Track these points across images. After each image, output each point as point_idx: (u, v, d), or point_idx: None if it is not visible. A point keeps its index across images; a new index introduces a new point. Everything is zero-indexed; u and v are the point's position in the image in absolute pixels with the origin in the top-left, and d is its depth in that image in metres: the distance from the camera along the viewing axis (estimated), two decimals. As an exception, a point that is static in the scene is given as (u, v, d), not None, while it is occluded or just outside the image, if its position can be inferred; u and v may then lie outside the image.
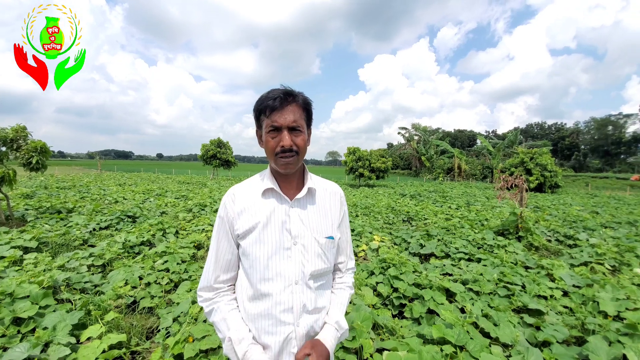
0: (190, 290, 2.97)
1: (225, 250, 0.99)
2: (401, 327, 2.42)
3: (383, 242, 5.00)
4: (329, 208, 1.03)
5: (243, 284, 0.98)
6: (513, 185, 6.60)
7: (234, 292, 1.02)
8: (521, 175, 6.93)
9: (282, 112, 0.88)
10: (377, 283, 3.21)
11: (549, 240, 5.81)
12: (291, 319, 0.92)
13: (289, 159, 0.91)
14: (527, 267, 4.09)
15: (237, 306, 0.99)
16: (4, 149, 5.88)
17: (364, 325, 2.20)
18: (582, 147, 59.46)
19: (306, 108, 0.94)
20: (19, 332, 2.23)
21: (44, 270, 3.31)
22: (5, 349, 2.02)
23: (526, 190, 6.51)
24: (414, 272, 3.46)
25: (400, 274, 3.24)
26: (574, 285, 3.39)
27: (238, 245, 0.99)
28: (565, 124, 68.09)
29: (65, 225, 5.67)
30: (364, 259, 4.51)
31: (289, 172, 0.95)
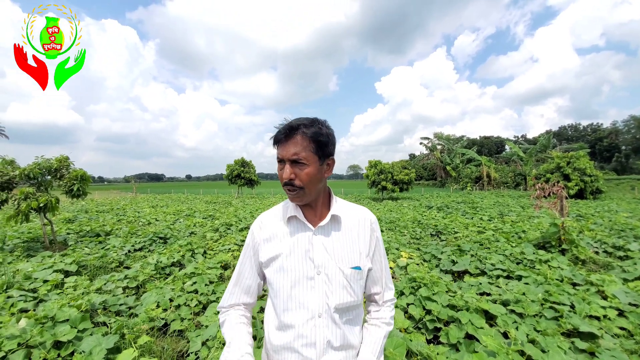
0: (218, 313, 2.97)
1: (247, 275, 1.00)
2: (437, 354, 2.26)
3: (411, 258, 4.80)
4: (356, 236, 0.97)
5: (269, 314, 0.96)
6: (551, 193, 6.17)
7: (249, 312, 1.03)
8: (559, 182, 6.49)
9: (285, 145, 0.89)
10: (407, 304, 3.04)
11: (597, 252, 5.31)
12: (314, 354, 0.86)
13: (293, 194, 0.90)
14: (574, 284, 3.73)
15: (246, 322, 0.97)
16: (48, 177, 6.38)
17: (397, 352, 2.07)
18: (623, 147, 55.04)
19: (315, 139, 0.89)
20: (59, 355, 2.31)
21: (83, 294, 3.46)
22: (46, 374, 2.09)
23: (566, 198, 6.05)
24: (447, 292, 3.26)
25: (433, 294, 3.06)
26: (630, 304, 3.03)
27: (263, 274, 0.99)
28: (601, 124, 63.84)
29: (103, 248, 5.98)
30: (392, 277, 4.33)
31: (298, 203, 0.94)
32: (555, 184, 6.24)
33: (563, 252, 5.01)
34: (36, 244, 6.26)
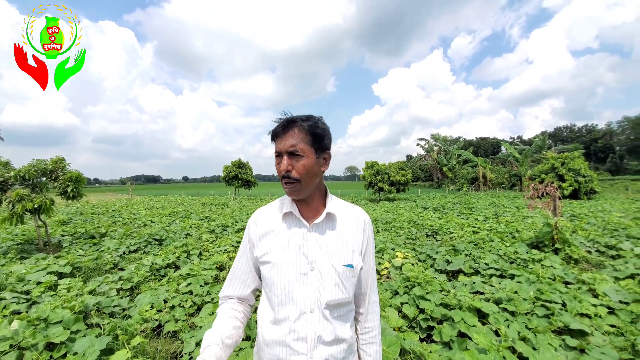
0: (213, 313, 2.97)
1: (243, 269, 1.02)
2: (430, 352, 2.28)
3: (406, 258, 4.83)
4: (350, 234, 0.99)
5: (263, 308, 0.98)
6: (545, 193, 6.23)
7: (244, 306, 1.04)
8: (553, 182, 6.55)
9: (283, 137, 0.91)
10: (402, 304, 3.06)
11: (589, 252, 5.37)
12: (304, 349, 0.88)
13: (290, 186, 0.92)
14: (566, 283, 3.78)
15: (236, 316, 0.97)
16: (44, 179, 6.34)
17: (391, 351, 2.09)
18: (618, 148, 55.61)
19: (312, 132, 0.92)
20: (51, 357, 2.29)
21: (76, 295, 3.44)
22: (38, 376, 2.08)
23: (559, 198, 6.11)
24: (441, 291, 3.29)
25: (427, 293, 3.08)
26: (620, 302, 3.07)
27: (258, 270, 1.01)
28: (596, 125, 64.55)
29: (97, 250, 5.95)
30: (387, 277, 4.35)
31: (295, 197, 0.96)
32: (549, 184, 6.30)
33: (556, 251, 5.06)
34: (30, 246, 6.21)
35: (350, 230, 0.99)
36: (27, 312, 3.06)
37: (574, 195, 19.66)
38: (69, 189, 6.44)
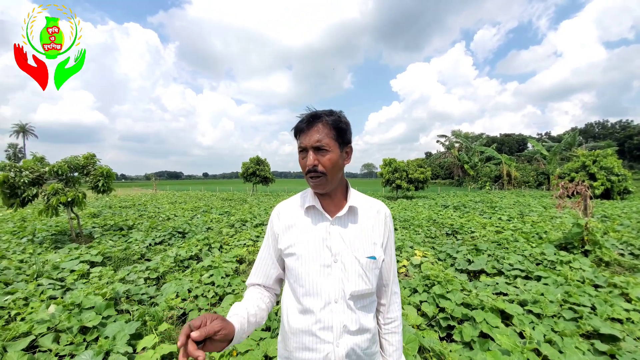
0: (234, 303, 3.06)
1: (267, 262, 1.05)
2: (450, 351, 2.24)
3: (425, 257, 4.75)
4: (371, 227, 1.00)
5: (288, 298, 1.00)
6: (575, 193, 5.93)
7: (270, 292, 1.07)
8: (583, 181, 6.23)
9: (308, 133, 0.92)
10: (420, 302, 3.03)
11: (622, 255, 5.07)
12: (330, 337, 0.90)
13: (316, 180, 0.93)
14: (596, 286, 3.59)
15: (262, 299, 1.00)
16: (76, 174, 6.71)
17: (410, 347, 2.08)
18: (655, 145, 51.92)
19: (336, 126, 0.93)
20: (84, 340, 2.45)
21: (107, 283, 3.64)
22: (72, 356, 2.23)
23: (590, 198, 5.80)
24: (462, 290, 3.22)
25: (447, 292, 3.03)
26: (657, 307, 2.90)
27: (282, 261, 1.03)
28: (632, 121, 60.40)
29: (126, 241, 6.25)
30: (406, 275, 4.31)
31: (320, 191, 0.97)
32: (580, 183, 5.99)
33: (586, 253, 4.82)
34: (63, 237, 6.62)
35: (372, 223, 1.00)
36: (62, 297, 3.28)
37: (606, 195, 18.57)
38: (100, 184, 6.78)
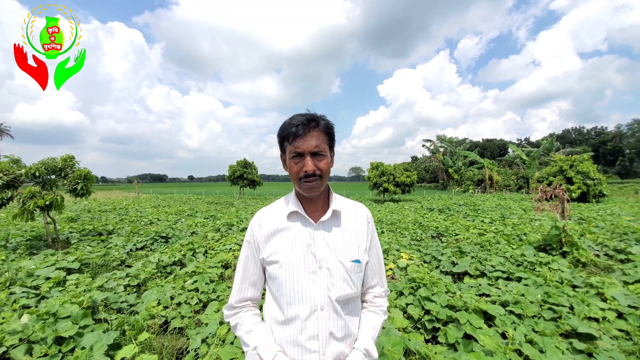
0: (218, 310, 3.00)
1: (252, 272, 1.01)
2: (435, 353, 2.27)
3: (411, 259, 4.80)
4: (354, 230, 1.00)
5: (270, 308, 0.98)
6: (553, 196, 6.15)
7: (258, 309, 1.04)
8: (561, 185, 6.47)
9: (305, 138, 0.91)
10: (407, 304, 3.05)
11: (597, 255, 5.29)
12: (316, 346, 0.89)
13: (312, 183, 0.92)
14: (574, 286, 3.72)
15: (261, 321, 1.00)
16: (53, 177, 6.44)
17: (395, 350, 2.08)
18: (627, 151, 54.66)
19: (328, 132, 0.95)
20: (59, 351, 2.33)
21: (85, 291, 3.49)
22: (48, 369, 2.12)
23: (567, 201, 6.04)
24: (446, 292, 3.26)
25: (432, 294, 3.07)
26: (629, 306, 3.02)
27: (264, 269, 1.01)
28: (606, 127, 63.47)
29: (105, 247, 6.02)
30: (392, 278, 4.34)
31: (313, 195, 0.96)
32: (557, 186, 6.23)
33: (564, 254, 4.99)
34: (39, 242, 6.32)
35: (354, 227, 1.01)
36: (36, 306, 3.12)
37: (582, 198, 19.37)
38: (79, 187, 6.53)
